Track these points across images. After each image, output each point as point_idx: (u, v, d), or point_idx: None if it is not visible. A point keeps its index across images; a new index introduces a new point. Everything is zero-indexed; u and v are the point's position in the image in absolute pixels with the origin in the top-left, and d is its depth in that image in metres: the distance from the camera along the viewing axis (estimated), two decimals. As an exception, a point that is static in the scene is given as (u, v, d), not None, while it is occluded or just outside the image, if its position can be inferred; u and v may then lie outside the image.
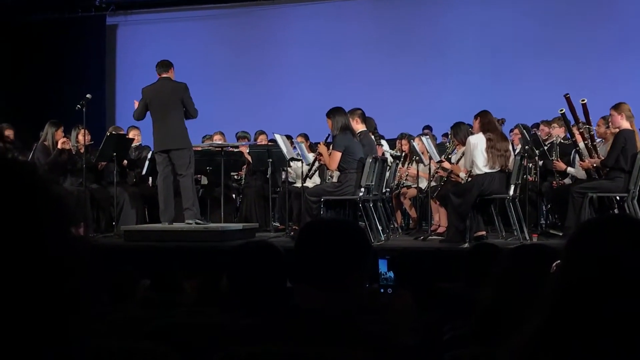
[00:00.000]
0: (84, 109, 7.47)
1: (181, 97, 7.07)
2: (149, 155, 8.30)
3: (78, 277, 0.85)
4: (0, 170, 0.84)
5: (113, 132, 8.19)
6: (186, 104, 7.10)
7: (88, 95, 7.62)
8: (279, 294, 2.30)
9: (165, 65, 7.27)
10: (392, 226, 8.14)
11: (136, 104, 7.37)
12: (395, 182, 8.65)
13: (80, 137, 7.98)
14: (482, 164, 6.65)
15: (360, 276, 1.89)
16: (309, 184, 7.89)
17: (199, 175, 8.46)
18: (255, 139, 9.52)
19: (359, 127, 7.13)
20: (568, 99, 6.97)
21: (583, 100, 6.93)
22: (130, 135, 8.64)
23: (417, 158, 8.36)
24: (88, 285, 0.87)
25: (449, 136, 8.24)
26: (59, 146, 7.77)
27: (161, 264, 6.00)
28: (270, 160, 8.16)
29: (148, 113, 7.24)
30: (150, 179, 8.73)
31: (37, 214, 0.83)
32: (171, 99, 7.10)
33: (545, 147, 7.52)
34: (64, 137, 7.88)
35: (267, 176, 8.43)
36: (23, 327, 0.79)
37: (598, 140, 7.18)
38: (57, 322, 0.81)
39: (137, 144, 8.92)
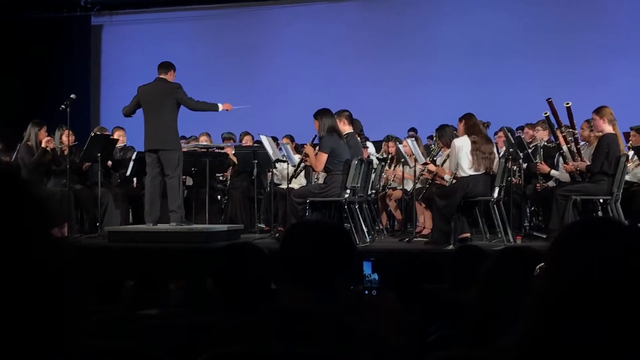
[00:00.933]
0: (68, 109, 7.36)
1: (174, 97, 7.03)
2: (134, 156, 8.26)
3: (61, 278, 0.84)
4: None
5: (97, 133, 8.13)
6: (182, 102, 7.05)
7: (72, 96, 7.52)
8: (264, 295, 2.30)
9: (164, 66, 7.25)
10: (377, 228, 8.15)
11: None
12: (382, 183, 8.67)
13: (64, 138, 7.91)
14: (466, 167, 6.68)
15: (344, 278, 1.89)
16: (295, 185, 7.88)
17: (184, 177, 8.42)
18: (241, 140, 9.50)
19: (345, 128, 7.12)
20: (550, 103, 7.00)
21: (567, 104, 6.96)
22: (115, 136, 8.58)
23: (403, 160, 8.39)
24: (72, 286, 0.86)
25: (434, 138, 8.27)
26: (43, 145, 7.70)
27: (146, 265, 5.98)
28: (256, 161, 8.15)
29: (139, 111, 7.19)
30: (135, 180, 8.69)
31: (19, 216, 0.82)
32: (162, 99, 7.05)
33: (530, 150, 7.56)
34: (47, 136, 7.81)
35: (253, 177, 8.42)
36: (4, 330, 0.78)
37: (582, 143, 7.22)
38: (39, 324, 0.81)
39: (122, 144, 8.86)
